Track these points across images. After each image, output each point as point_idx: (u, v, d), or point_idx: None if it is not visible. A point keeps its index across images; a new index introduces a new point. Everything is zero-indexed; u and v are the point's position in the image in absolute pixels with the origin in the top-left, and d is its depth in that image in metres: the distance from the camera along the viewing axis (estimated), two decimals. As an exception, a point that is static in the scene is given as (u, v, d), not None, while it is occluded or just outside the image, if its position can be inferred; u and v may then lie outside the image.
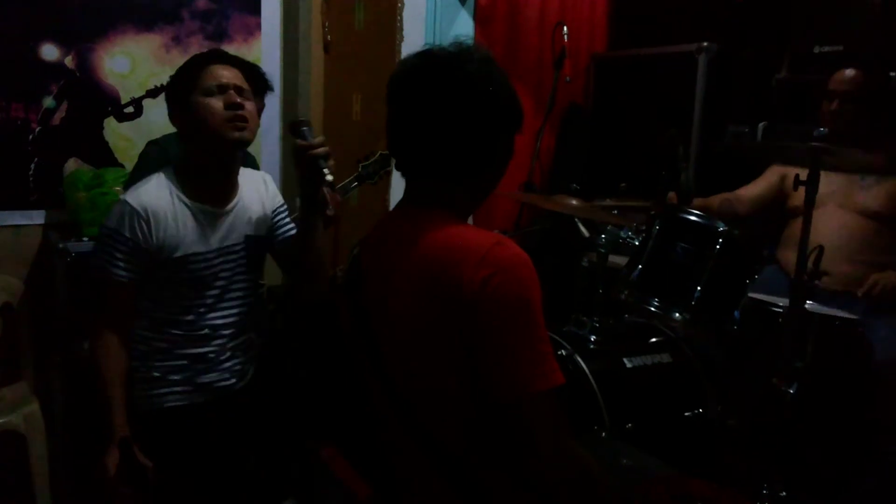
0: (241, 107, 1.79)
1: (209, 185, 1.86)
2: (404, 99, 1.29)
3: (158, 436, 1.82)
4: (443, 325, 1.18)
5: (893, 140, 2.52)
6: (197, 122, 1.77)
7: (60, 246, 2.45)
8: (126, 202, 1.77)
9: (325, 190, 1.78)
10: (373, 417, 1.40)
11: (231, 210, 1.90)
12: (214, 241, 1.85)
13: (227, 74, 1.80)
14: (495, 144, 1.29)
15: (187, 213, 1.82)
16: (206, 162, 1.84)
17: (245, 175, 1.97)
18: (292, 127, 1.80)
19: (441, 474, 1.26)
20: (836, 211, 2.56)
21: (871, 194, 2.52)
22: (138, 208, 1.76)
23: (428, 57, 1.28)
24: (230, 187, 1.91)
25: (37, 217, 2.62)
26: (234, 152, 1.85)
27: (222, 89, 1.78)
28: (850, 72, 2.56)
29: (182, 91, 1.78)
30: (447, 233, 1.23)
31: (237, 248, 1.90)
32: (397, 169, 1.37)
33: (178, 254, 1.79)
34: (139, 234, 1.75)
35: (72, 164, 2.66)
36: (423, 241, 1.23)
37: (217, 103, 1.76)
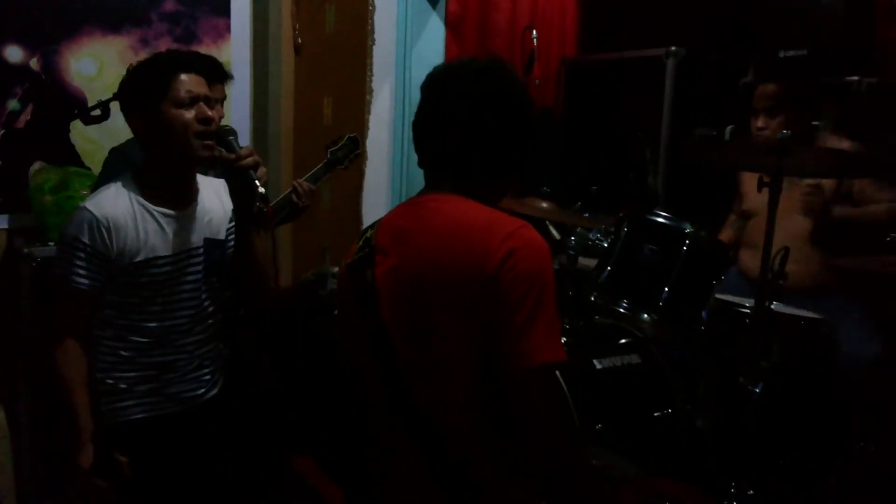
0: (212, 120, 1.78)
1: (169, 188, 1.85)
2: (454, 101, 1.35)
3: (124, 449, 1.78)
4: (461, 297, 1.23)
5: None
6: (167, 133, 1.76)
7: (25, 251, 2.42)
8: (86, 209, 1.76)
9: (258, 204, 1.75)
10: (363, 412, 1.41)
11: (191, 212, 1.89)
12: (176, 244, 1.84)
13: (198, 84, 1.79)
14: (529, 147, 1.42)
15: (147, 216, 1.81)
16: (167, 168, 1.83)
17: (203, 180, 1.96)
18: (218, 136, 1.78)
19: (435, 476, 1.28)
20: (785, 213, 2.58)
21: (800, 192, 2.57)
22: (98, 216, 1.75)
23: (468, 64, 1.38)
24: (190, 189, 1.90)
25: (1, 221, 2.57)
26: (197, 164, 1.85)
27: (194, 101, 1.77)
28: (769, 87, 2.59)
29: (149, 99, 1.76)
30: (473, 211, 1.30)
31: (198, 250, 1.89)
32: (420, 166, 1.40)
33: (140, 258, 1.78)
34: (98, 241, 1.74)
35: (37, 168, 2.62)
36: (446, 217, 1.29)
37: (188, 115, 1.75)
